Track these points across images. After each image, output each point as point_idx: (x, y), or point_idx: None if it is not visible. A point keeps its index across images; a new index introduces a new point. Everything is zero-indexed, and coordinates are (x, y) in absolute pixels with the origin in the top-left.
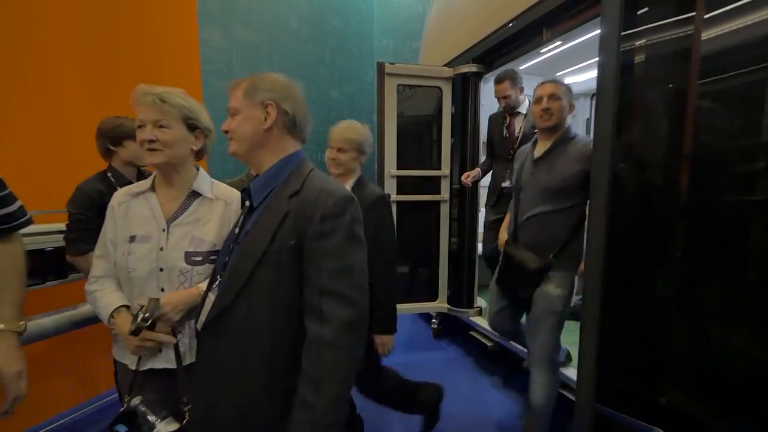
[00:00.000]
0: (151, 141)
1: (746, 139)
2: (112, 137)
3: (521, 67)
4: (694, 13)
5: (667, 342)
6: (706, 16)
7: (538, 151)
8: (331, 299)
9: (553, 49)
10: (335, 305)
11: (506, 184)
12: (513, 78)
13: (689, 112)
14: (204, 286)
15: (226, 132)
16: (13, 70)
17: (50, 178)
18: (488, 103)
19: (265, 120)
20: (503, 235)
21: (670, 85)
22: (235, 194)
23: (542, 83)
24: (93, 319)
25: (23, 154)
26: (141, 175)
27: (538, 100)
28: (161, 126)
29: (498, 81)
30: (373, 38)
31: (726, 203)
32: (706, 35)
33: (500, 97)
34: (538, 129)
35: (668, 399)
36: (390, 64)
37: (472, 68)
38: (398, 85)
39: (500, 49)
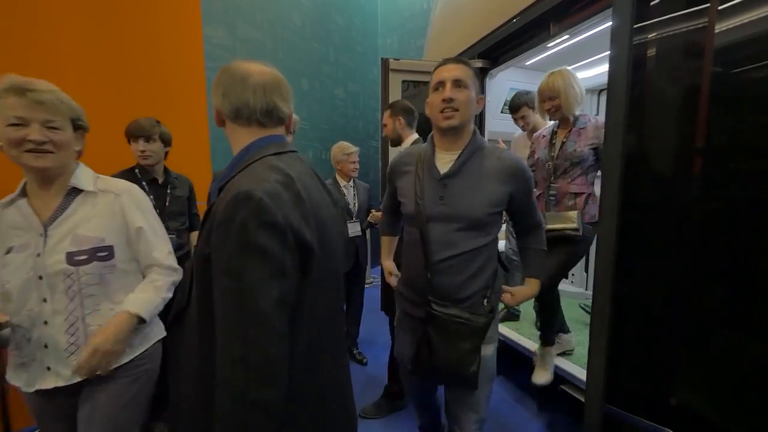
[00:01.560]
0: (42, 143)
1: (761, 133)
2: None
3: (527, 63)
4: (708, 5)
5: (678, 341)
6: (720, 7)
7: (443, 165)
8: (222, 326)
9: (560, 43)
10: (225, 334)
11: None
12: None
13: (702, 106)
14: (131, 307)
15: None
16: (15, 66)
17: None
18: (493, 99)
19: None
20: (389, 265)
21: (683, 79)
22: (126, 186)
23: (443, 62)
24: None
25: None
26: (167, 174)
27: (438, 86)
28: (53, 127)
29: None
30: (377, 36)
31: (741, 199)
32: (719, 27)
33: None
34: (436, 129)
35: (680, 400)
36: (394, 59)
37: (478, 64)
38: (403, 81)
39: (506, 44)
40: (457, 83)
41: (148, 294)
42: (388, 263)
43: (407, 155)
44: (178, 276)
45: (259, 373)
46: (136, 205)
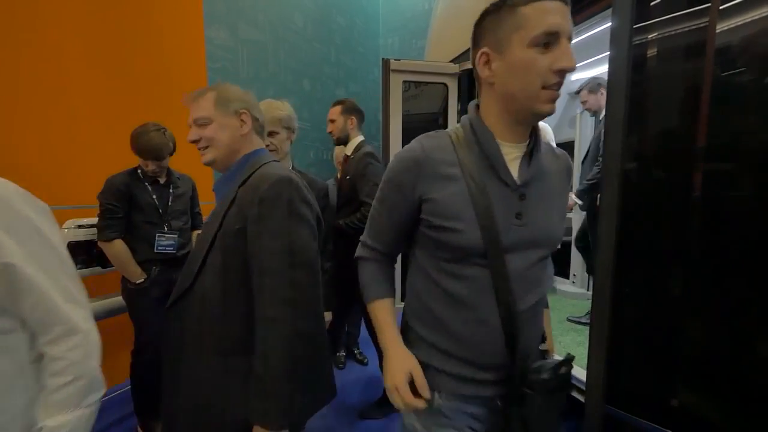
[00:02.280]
0: None
1: (763, 133)
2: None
3: None
4: (709, 5)
5: (680, 342)
6: (721, 7)
7: (512, 164)
8: (270, 278)
9: None
10: (275, 284)
11: None
12: (344, 105)
13: (704, 105)
14: None
15: (196, 141)
16: (19, 68)
17: (58, 177)
18: None
19: (242, 127)
20: (412, 365)
21: (683, 79)
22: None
23: None
24: (121, 310)
25: (34, 153)
26: (169, 174)
27: (548, 39)
28: None
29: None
30: (379, 36)
31: (741, 199)
32: (721, 27)
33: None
34: (516, 111)
35: (681, 401)
36: (395, 60)
37: None
38: (404, 81)
39: None
40: (570, 41)
41: (77, 412)
42: (407, 361)
43: (440, 147)
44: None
45: (306, 310)
46: (5, 227)
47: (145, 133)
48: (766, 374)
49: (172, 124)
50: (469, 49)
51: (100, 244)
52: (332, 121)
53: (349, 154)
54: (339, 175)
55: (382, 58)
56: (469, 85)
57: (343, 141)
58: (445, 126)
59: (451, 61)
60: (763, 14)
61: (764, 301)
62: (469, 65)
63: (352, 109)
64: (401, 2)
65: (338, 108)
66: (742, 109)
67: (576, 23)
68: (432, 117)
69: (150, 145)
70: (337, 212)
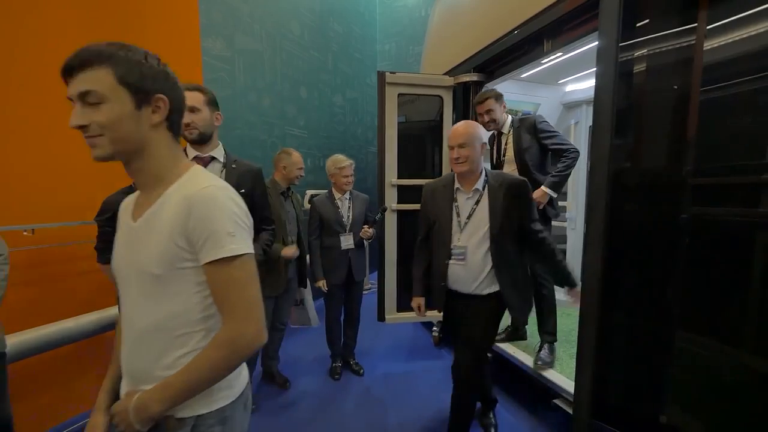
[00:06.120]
0: None
1: (750, 150)
2: None
3: (523, 76)
4: (695, 24)
5: (668, 358)
6: (709, 27)
7: None
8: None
9: (554, 58)
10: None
11: None
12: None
13: (691, 121)
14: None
15: None
16: (13, 81)
17: (57, 191)
18: None
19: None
20: None
21: (669, 96)
22: None
23: None
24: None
25: (31, 167)
26: None
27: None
28: None
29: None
30: (376, 43)
31: (729, 217)
32: (708, 45)
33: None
34: None
35: (669, 418)
36: (391, 73)
37: (473, 77)
38: (399, 94)
39: (501, 59)
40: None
41: None
42: None
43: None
44: None
45: None
46: None
47: None
48: (754, 391)
49: None
50: (463, 63)
51: (99, 266)
52: (195, 110)
53: (218, 157)
54: (333, 189)
55: (378, 71)
56: (463, 97)
57: (206, 139)
58: (441, 134)
59: (446, 73)
60: (752, 33)
61: (751, 317)
62: (463, 78)
63: (215, 103)
64: (398, 9)
65: (200, 96)
66: (730, 125)
67: (569, 41)
68: (428, 124)
69: None
70: None
